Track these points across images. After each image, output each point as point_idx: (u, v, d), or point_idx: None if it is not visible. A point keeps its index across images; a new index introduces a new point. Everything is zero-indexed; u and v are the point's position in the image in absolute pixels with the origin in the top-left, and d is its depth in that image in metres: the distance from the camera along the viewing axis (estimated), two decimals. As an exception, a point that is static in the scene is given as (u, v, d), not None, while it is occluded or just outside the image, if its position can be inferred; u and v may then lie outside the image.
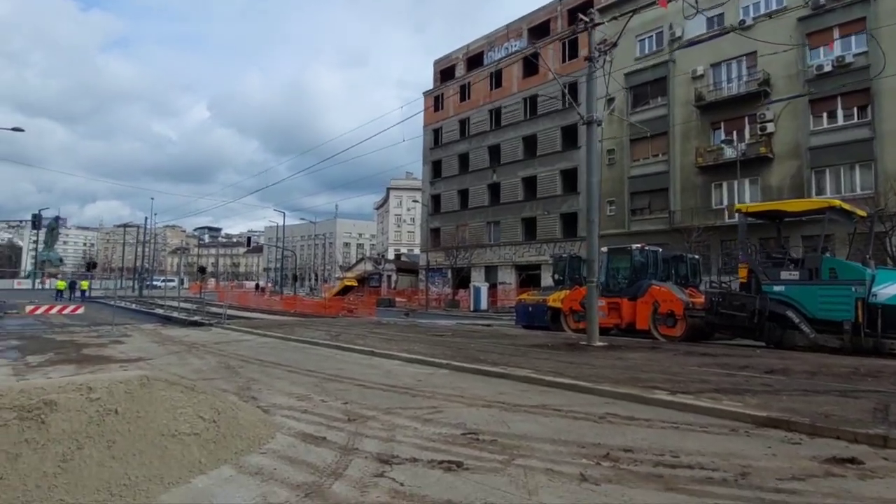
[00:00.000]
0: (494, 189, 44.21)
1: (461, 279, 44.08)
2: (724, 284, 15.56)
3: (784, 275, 12.46)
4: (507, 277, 42.26)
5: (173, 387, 4.71)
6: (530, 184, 41.34)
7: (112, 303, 40.18)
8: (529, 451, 4.76)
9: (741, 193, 28.27)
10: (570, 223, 38.18)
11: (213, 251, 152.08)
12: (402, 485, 3.94)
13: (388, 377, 8.89)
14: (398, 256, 71.65)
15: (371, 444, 4.98)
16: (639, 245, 17.61)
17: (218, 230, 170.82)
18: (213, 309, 27.53)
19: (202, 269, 58.85)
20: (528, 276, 40.10)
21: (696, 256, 20.72)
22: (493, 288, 40.79)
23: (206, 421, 4.60)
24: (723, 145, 28.93)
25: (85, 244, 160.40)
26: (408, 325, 20.92)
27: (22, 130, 30.01)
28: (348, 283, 41.05)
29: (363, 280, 51.91)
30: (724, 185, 29.82)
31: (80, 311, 16.78)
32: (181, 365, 10.22)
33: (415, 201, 73.25)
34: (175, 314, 26.53)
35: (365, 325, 20.84)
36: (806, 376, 8.37)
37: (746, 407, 6.07)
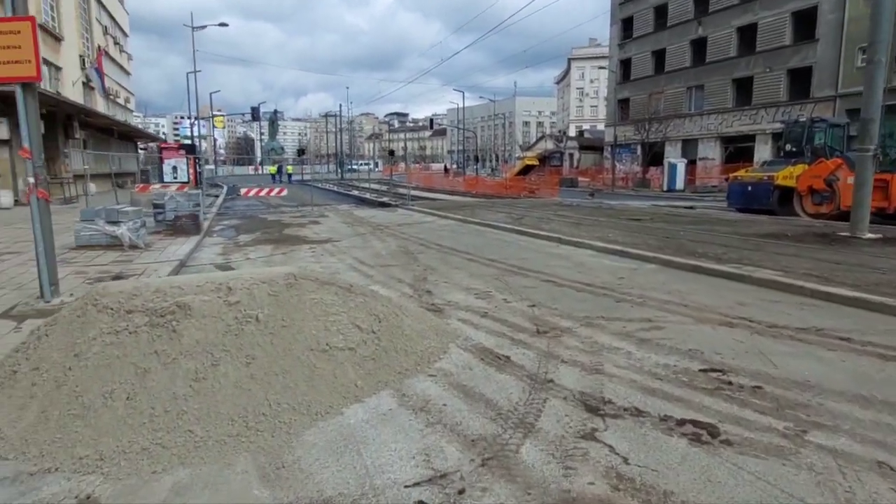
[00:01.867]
0: (698, 46, 36.73)
1: (653, 156, 39.15)
2: None
3: None
4: (710, 152, 36.23)
5: (325, 287, 3.85)
6: (747, 34, 33.25)
7: (318, 185, 44.72)
8: (826, 415, 3.01)
9: None
10: (800, 81, 30.29)
11: (401, 136, 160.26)
12: (626, 461, 2.58)
13: (581, 271, 7.43)
14: (580, 133, 66.67)
15: (570, 375, 3.67)
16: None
17: (405, 115, 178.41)
18: (401, 190, 28.36)
19: (391, 153, 61.86)
20: (737, 150, 33.81)
21: None
22: (691, 164, 35.48)
23: (363, 331, 3.70)
24: None
25: (299, 134, 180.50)
26: (595, 207, 18.86)
27: (226, 25, 32.47)
28: (529, 163, 39.16)
29: (544, 159, 49.46)
30: None
31: (284, 193, 18.08)
32: (363, 248, 10.01)
33: (601, 68, 65.84)
34: (367, 196, 28.01)
35: (548, 206, 19.32)
36: None
37: None
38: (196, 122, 43.04)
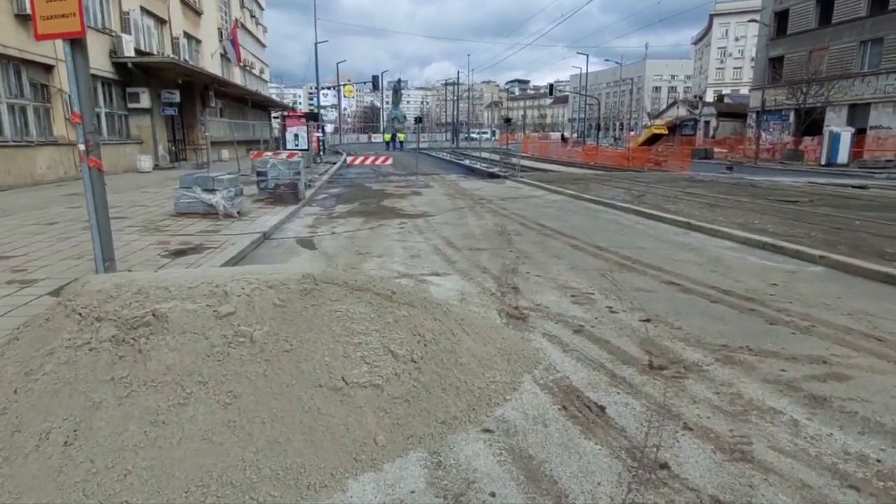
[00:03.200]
0: (881, -11, 30.28)
1: (809, 124, 33.53)
2: None
3: None
4: (887, 119, 30.10)
5: (355, 295, 2.91)
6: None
7: (433, 154, 44.58)
8: None
9: None
10: None
11: (521, 104, 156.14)
12: None
13: (717, 271, 5.83)
14: (720, 98, 59.44)
15: (697, 457, 2.40)
16: None
17: (526, 82, 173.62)
18: (514, 160, 26.96)
19: (507, 121, 59.98)
20: (925, 117, 27.67)
21: None
22: (859, 134, 29.78)
23: (399, 360, 2.72)
24: None
25: (421, 102, 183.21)
26: (734, 184, 16.16)
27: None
28: (657, 131, 35.42)
29: (674, 128, 44.74)
30: None
31: (389, 161, 17.65)
32: (457, 225, 9.05)
33: (752, 21, 57.82)
34: (478, 165, 26.98)
35: (676, 181, 16.94)
36: None
37: None
38: (317, 92, 44.59)
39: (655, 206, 10.55)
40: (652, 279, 5.49)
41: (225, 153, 29.25)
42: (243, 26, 40.15)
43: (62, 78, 15.76)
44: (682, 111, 58.50)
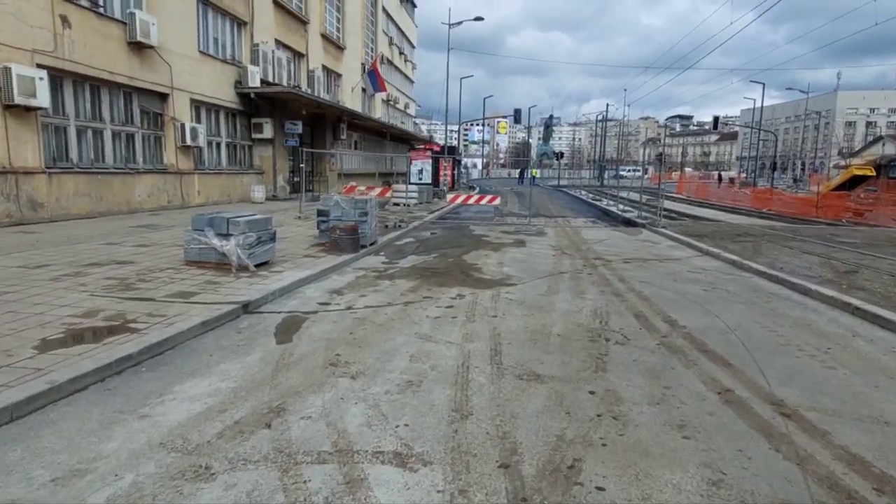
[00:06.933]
0: None
1: None
2: None
3: None
4: None
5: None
6: None
7: (570, 192, 40.97)
8: None
9: None
10: None
11: (681, 140, 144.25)
12: None
13: None
14: (950, 134, 47.19)
15: None
16: None
17: (690, 118, 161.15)
18: (667, 203, 22.56)
19: (659, 156, 53.99)
20: None
21: None
22: None
23: None
24: None
25: (573, 138, 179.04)
26: None
27: (481, 19, 31.07)
28: (859, 172, 27.87)
29: (879, 168, 35.79)
30: None
31: (496, 202, 14.90)
32: (533, 310, 5.95)
33: None
34: (614, 208, 23.11)
35: (901, 246, 11.74)
36: None
37: None
38: (447, 126, 43.66)
39: (885, 297, 6.34)
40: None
41: (361, 186, 28.85)
42: (390, 62, 40.84)
43: (175, 106, 15.74)
44: (889, 149, 47.65)
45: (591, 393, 3.70)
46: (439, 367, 4.16)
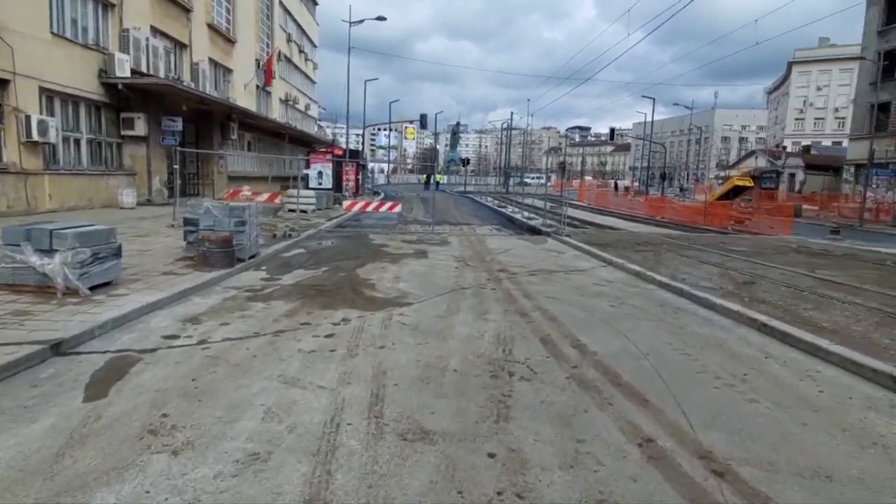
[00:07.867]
0: None
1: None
2: None
3: None
4: None
5: None
6: None
7: (476, 198, 41.09)
8: None
9: None
10: None
11: (580, 150, 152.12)
12: None
13: None
14: (806, 149, 53.23)
15: None
16: None
17: (587, 129, 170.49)
18: (570, 211, 22.84)
19: (562, 165, 56.09)
20: None
21: None
22: None
23: None
24: None
25: (479, 146, 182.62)
26: (880, 263, 11.42)
27: (384, 19, 30.23)
28: (739, 183, 30.15)
29: (755, 179, 39.28)
30: None
31: (396, 209, 14.04)
32: (429, 336, 5.14)
33: (843, 71, 52.18)
34: (519, 215, 23.12)
35: (782, 252, 12.35)
36: None
37: None
38: (359, 130, 42.42)
39: (787, 310, 6.23)
40: None
41: (247, 188, 26.75)
42: (288, 59, 38.75)
43: (18, 95, 13.32)
44: (761, 162, 52.81)
45: (491, 456, 2.92)
46: (300, 426, 3.20)
